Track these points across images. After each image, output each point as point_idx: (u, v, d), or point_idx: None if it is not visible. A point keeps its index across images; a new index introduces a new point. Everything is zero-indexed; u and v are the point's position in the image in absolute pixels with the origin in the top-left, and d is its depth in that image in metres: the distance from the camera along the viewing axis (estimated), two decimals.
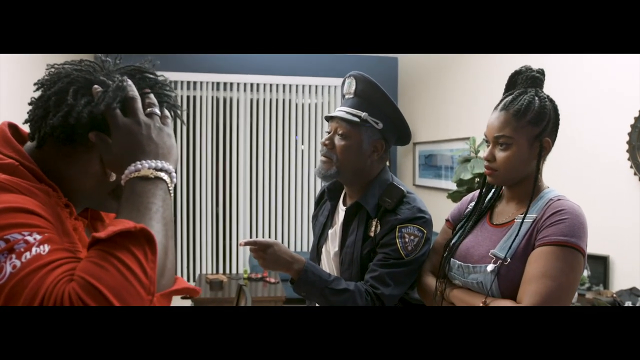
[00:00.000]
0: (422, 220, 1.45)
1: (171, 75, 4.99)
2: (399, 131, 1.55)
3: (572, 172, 2.69)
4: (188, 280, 5.28)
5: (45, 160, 0.79)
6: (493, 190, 1.38)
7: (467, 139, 3.96)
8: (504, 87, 1.30)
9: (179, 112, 0.88)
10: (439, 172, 4.59)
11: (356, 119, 1.47)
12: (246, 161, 5.27)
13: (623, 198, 2.39)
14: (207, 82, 5.12)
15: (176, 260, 0.74)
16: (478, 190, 1.41)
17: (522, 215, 1.22)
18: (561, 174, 2.63)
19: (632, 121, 2.32)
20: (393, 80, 5.53)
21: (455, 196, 3.39)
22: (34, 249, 0.62)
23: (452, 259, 1.32)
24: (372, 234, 1.45)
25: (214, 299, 3.69)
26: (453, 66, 4.32)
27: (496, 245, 1.23)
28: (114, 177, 0.81)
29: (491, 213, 1.35)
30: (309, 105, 5.37)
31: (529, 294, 1.11)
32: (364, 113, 1.47)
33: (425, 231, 1.44)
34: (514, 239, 1.20)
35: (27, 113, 0.81)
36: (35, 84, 0.81)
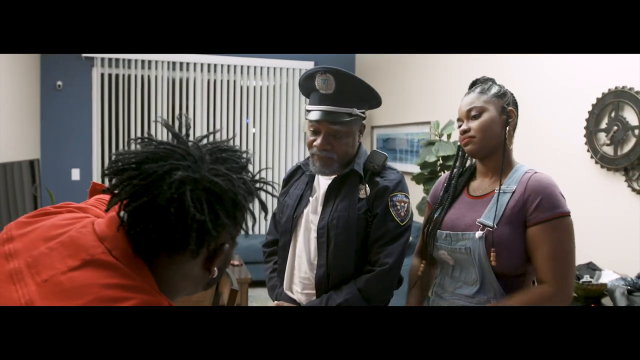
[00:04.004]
0: (405, 185, 1.63)
1: (124, 55, 4.82)
2: (374, 107, 1.67)
3: (533, 158, 2.88)
4: None
5: (151, 270, 0.72)
6: (467, 165, 1.54)
7: (425, 123, 4.11)
8: (468, 86, 1.48)
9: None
10: (396, 155, 4.74)
11: (348, 117, 1.53)
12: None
13: (581, 181, 2.58)
14: (162, 62, 4.97)
15: None
16: (449, 171, 1.57)
17: (502, 186, 1.38)
18: (523, 161, 2.78)
19: (590, 108, 2.52)
20: (350, 67, 5.59)
21: (419, 178, 3.51)
22: None
23: (438, 230, 1.46)
24: (363, 197, 1.57)
25: None
26: (410, 55, 4.44)
27: (481, 214, 1.37)
28: (216, 272, 0.79)
29: (468, 188, 1.50)
30: (260, 87, 5.33)
31: (552, 272, 1.29)
32: (353, 109, 1.54)
33: (409, 197, 1.62)
34: (500, 208, 1.35)
35: (128, 222, 0.70)
36: (108, 175, 0.72)
